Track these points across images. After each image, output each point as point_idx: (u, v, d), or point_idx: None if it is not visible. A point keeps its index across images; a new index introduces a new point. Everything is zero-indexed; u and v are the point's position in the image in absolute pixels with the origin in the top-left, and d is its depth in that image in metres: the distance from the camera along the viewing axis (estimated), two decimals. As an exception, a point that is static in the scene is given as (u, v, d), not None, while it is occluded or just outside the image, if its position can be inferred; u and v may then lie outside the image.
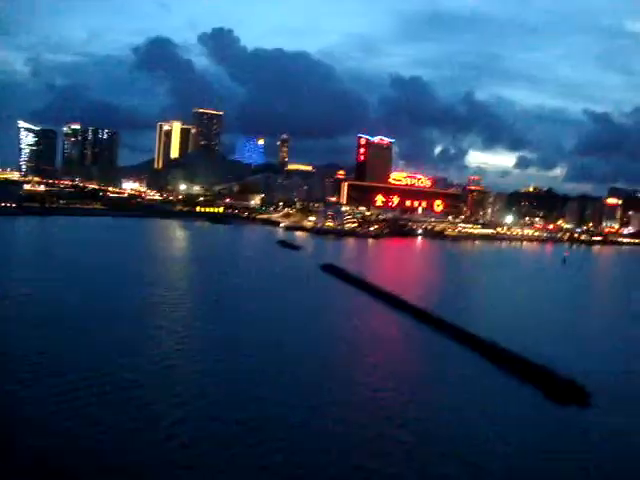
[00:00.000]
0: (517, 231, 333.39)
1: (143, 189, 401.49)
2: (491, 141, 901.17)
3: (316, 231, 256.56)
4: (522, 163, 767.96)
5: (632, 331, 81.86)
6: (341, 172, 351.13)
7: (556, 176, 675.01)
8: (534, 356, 55.36)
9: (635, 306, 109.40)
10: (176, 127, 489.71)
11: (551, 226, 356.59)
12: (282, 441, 36.89)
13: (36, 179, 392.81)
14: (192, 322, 68.40)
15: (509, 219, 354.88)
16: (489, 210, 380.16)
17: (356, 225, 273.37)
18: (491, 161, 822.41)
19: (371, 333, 69.18)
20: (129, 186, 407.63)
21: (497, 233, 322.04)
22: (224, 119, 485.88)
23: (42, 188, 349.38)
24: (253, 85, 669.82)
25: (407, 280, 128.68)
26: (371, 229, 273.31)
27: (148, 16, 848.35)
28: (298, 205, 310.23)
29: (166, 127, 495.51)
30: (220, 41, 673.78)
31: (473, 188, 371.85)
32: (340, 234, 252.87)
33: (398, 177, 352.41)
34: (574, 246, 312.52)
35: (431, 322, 75.09)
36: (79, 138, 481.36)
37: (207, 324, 67.10)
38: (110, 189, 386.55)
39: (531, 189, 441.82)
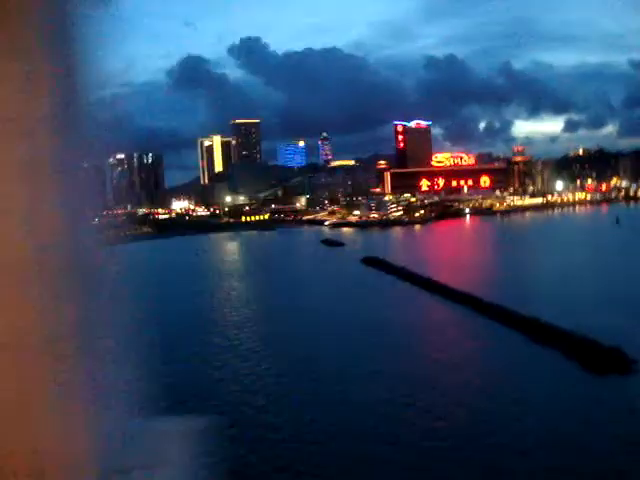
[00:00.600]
0: (568, 196, 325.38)
1: (192, 206, 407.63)
2: (535, 108, 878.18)
3: (361, 225, 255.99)
4: (570, 126, 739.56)
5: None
6: (382, 162, 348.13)
7: (609, 134, 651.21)
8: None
9: None
10: (216, 141, 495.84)
11: (604, 186, 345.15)
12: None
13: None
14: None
15: (559, 185, 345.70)
16: (538, 179, 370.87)
17: (401, 213, 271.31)
18: (538, 129, 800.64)
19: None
20: (179, 205, 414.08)
21: (547, 201, 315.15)
22: (262, 126, 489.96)
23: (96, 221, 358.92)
24: (288, 88, 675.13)
25: (452, 264, 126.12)
26: (416, 215, 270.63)
27: (177, 37, 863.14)
28: (342, 201, 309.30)
29: (207, 142, 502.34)
30: (250, 50, 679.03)
31: (518, 159, 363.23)
32: (386, 224, 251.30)
33: (440, 159, 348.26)
34: (631, 204, 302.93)
35: (475, 306, 73.91)
36: (125, 167, 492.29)
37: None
38: (159, 211, 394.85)
39: (580, 152, 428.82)
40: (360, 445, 35.65)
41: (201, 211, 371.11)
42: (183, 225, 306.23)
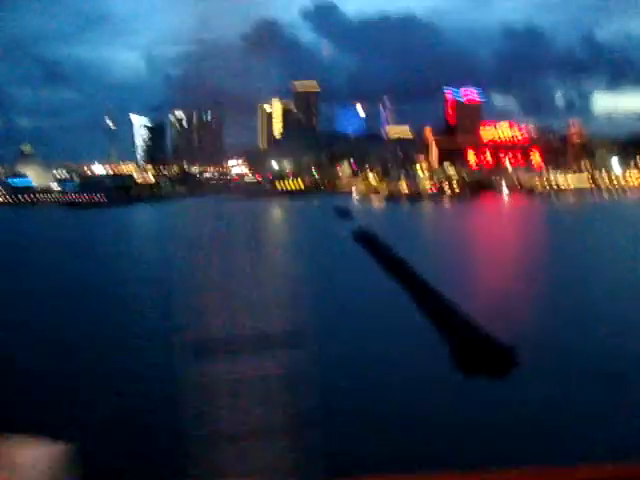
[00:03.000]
0: (620, 181, 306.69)
1: (245, 170, 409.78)
2: (620, 82, 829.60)
3: (389, 197, 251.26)
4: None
5: None
6: (428, 131, 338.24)
7: None
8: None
9: None
10: (276, 106, 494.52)
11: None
12: None
13: (150, 168, 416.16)
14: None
15: (617, 168, 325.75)
16: (598, 159, 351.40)
17: (432, 187, 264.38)
18: (620, 104, 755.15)
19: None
20: (235, 167, 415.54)
21: (596, 184, 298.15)
22: (323, 92, 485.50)
23: (151, 177, 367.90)
24: (358, 54, 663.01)
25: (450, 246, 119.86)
26: (447, 189, 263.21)
27: None
28: (379, 170, 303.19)
29: (267, 106, 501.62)
30: (324, 16, 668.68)
31: (574, 135, 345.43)
32: (414, 198, 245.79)
33: (489, 131, 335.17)
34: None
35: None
36: (184, 124, 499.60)
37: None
38: (210, 169, 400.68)
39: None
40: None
41: (248, 178, 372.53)
42: (221, 188, 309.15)
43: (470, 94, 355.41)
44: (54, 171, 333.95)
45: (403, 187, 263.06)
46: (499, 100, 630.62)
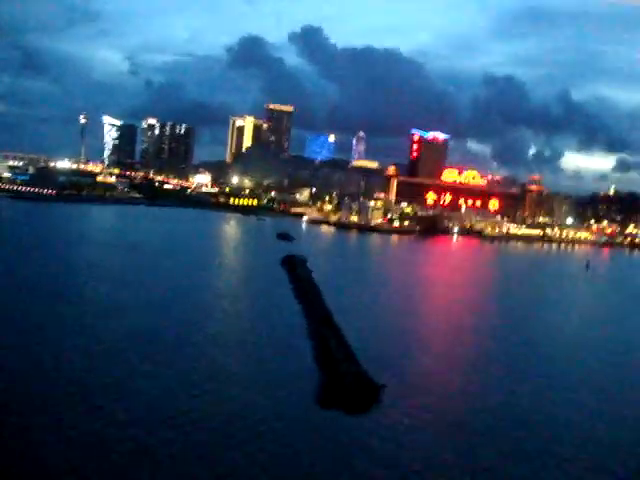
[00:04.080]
0: (568, 233, 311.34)
1: (206, 181, 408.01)
2: (588, 142, 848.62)
3: (339, 225, 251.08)
4: (622, 166, 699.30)
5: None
6: (391, 168, 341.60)
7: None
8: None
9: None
10: (248, 122, 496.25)
11: (609, 230, 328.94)
12: None
13: (116, 171, 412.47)
14: None
15: (569, 221, 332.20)
16: (555, 212, 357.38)
17: (383, 221, 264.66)
18: (588, 164, 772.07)
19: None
20: (201, 179, 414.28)
21: (544, 235, 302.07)
22: (296, 115, 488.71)
23: (113, 179, 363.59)
24: (340, 82, 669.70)
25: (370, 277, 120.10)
26: (396, 224, 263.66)
27: (240, 15, 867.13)
28: (334, 199, 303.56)
29: (239, 122, 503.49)
30: (309, 39, 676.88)
31: (533, 188, 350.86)
32: (364, 229, 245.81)
33: (451, 175, 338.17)
34: (635, 251, 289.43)
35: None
36: (156, 132, 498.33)
37: None
38: (174, 181, 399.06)
39: (611, 192, 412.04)
40: None
41: (206, 188, 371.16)
42: (178, 197, 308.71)
43: (437, 138, 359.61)
44: (10, 161, 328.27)
45: (354, 218, 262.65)
46: (470, 145, 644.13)
